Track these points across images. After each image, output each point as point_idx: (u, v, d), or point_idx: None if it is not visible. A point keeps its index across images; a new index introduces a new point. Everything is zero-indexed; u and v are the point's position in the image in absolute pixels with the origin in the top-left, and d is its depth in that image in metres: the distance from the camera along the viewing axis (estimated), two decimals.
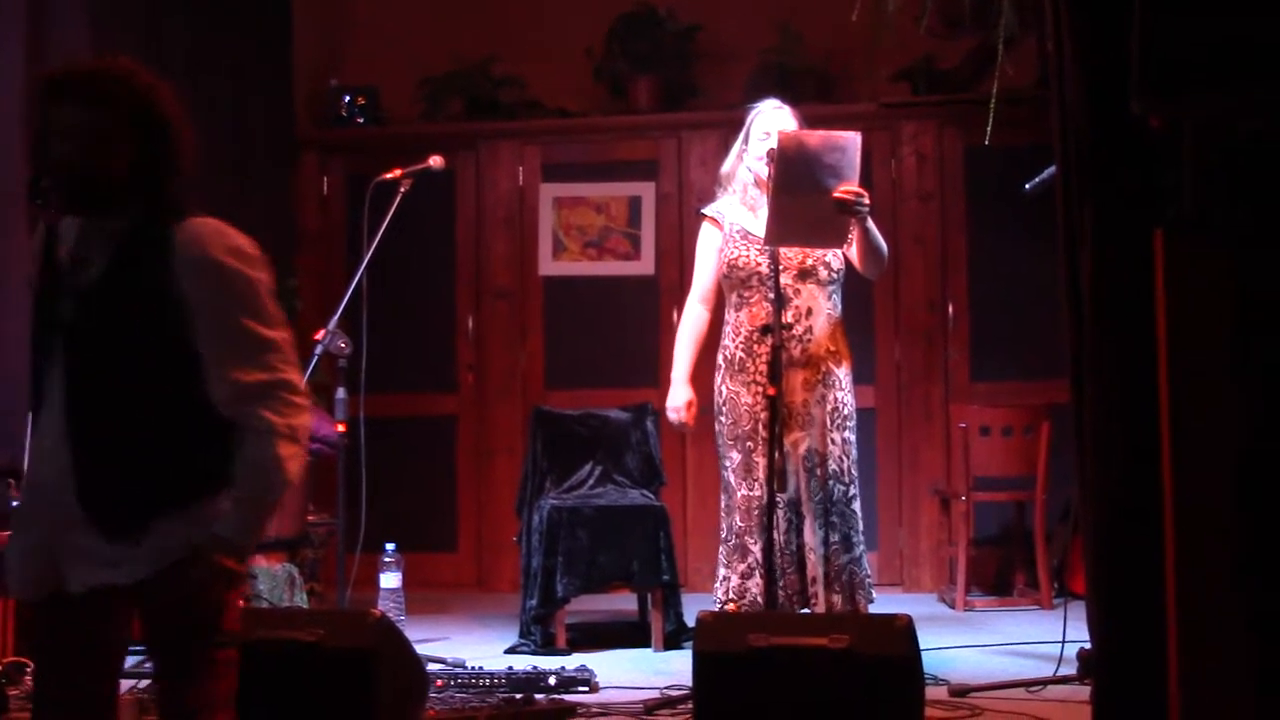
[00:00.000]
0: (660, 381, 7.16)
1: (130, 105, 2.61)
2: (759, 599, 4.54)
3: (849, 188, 4.39)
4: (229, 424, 2.61)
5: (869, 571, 4.75)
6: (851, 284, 4.88)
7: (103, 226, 2.64)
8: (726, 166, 4.88)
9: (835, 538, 4.62)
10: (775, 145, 4.46)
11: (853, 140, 4.41)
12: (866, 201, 4.47)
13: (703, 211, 4.90)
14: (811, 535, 4.59)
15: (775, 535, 4.45)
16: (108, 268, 2.61)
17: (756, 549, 4.57)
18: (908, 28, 5.95)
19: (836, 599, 4.59)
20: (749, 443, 4.63)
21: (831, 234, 4.52)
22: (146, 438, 2.60)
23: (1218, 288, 2.37)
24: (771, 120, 4.70)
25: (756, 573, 4.56)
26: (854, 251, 4.70)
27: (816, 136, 4.48)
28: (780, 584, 4.48)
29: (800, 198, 4.37)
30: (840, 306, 4.74)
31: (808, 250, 4.63)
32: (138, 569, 2.58)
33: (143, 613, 2.67)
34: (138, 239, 2.62)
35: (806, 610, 4.54)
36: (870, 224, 4.60)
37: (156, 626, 2.65)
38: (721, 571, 4.71)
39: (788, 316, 4.58)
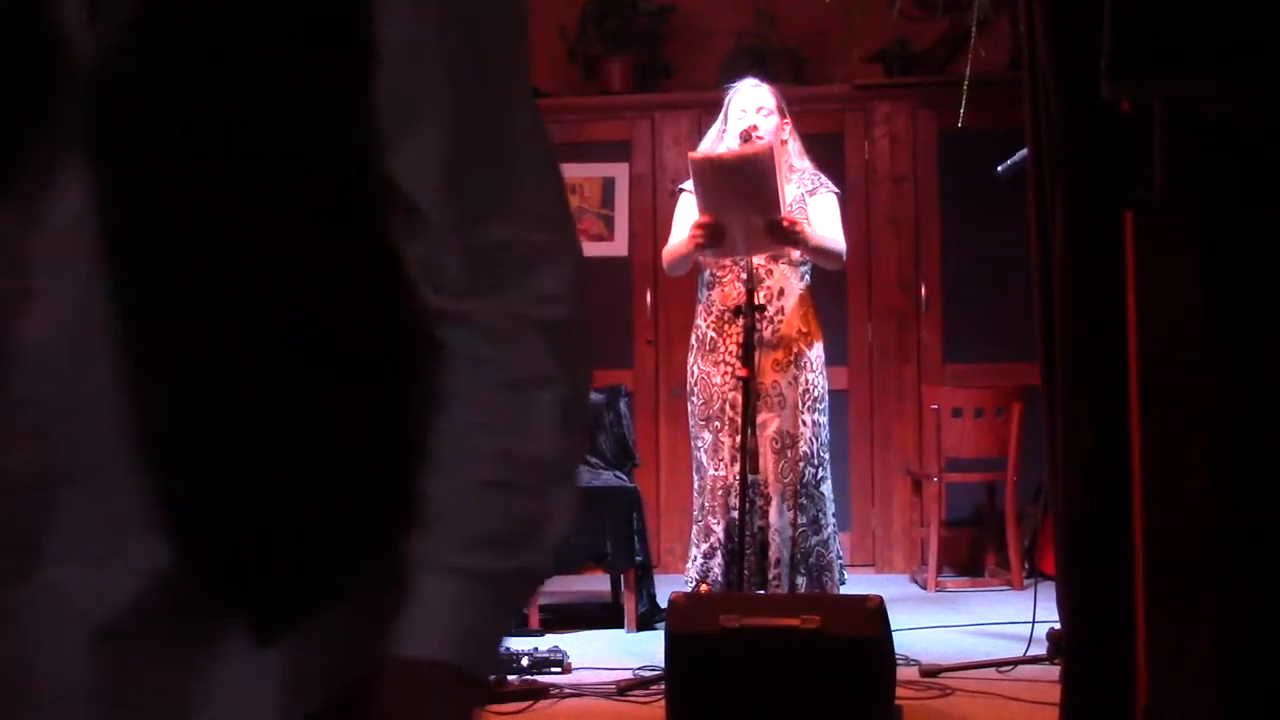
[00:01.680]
0: (634, 363, 7.18)
1: None
2: (720, 578, 4.57)
3: (781, 218, 4.42)
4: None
5: (840, 553, 4.77)
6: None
7: None
8: (705, 145, 4.87)
9: (803, 519, 4.64)
10: (748, 125, 4.55)
11: (764, 153, 4.42)
12: (799, 229, 4.50)
13: (681, 187, 4.89)
14: (777, 517, 4.61)
15: (742, 516, 4.46)
16: None
17: (719, 529, 4.61)
18: (881, 10, 5.95)
19: (801, 581, 4.61)
20: (717, 423, 4.64)
21: (759, 245, 4.54)
22: (315, 373, 1.06)
23: (1187, 268, 2.39)
24: (749, 98, 4.71)
25: (719, 552, 4.60)
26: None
27: (730, 155, 4.53)
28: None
29: (725, 214, 4.41)
30: (811, 287, 4.75)
31: None
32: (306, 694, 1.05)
33: None
34: None
35: (763, 591, 4.56)
36: (811, 238, 4.59)
37: None
38: (692, 551, 4.74)
39: (759, 297, 4.58)
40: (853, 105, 7.19)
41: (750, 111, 4.65)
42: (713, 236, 4.45)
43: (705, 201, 4.45)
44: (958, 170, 7.04)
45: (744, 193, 4.37)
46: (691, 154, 4.58)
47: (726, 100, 4.79)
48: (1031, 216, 3.03)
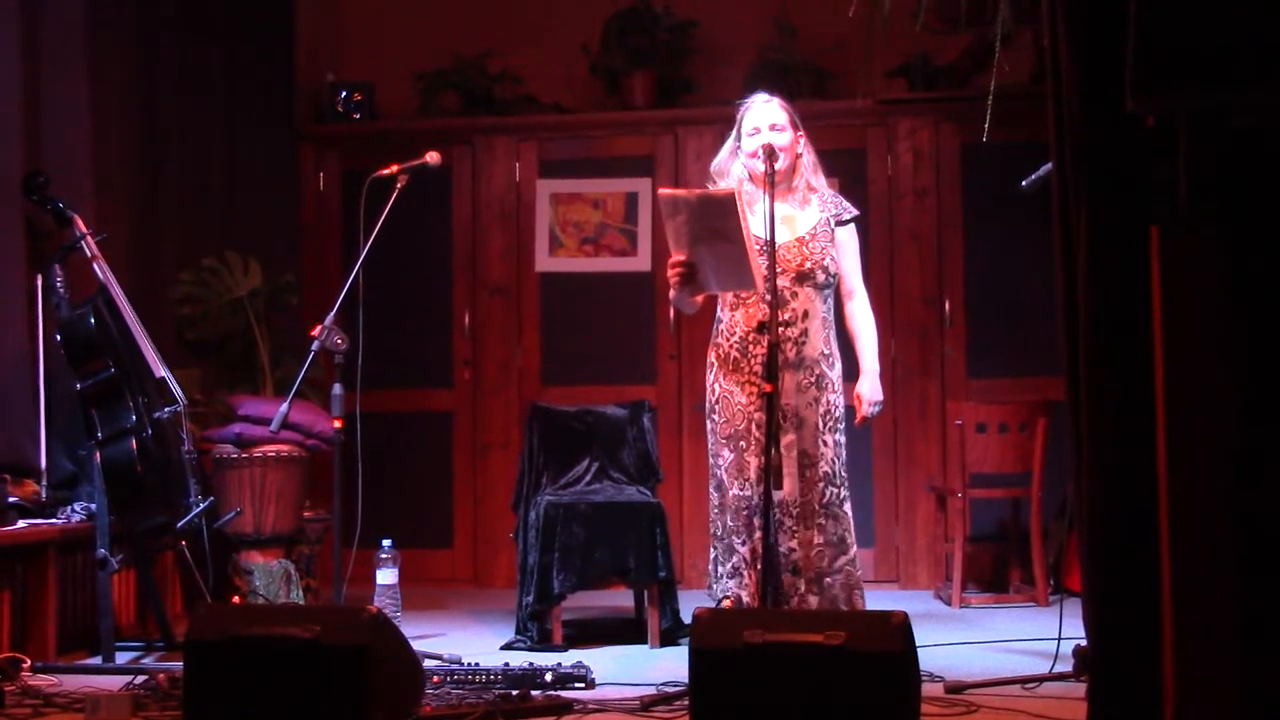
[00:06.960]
0: (656, 378, 7.18)
1: None
2: (745, 598, 4.56)
3: (862, 412, 4.72)
4: None
5: (860, 570, 4.77)
6: None
7: None
8: (719, 162, 4.86)
9: (820, 539, 4.62)
10: (762, 143, 4.58)
11: (728, 196, 4.41)
12: (874, 403, 4.74)
13: None
14: (794, 536, 4.60)
15: (767, 533, 4.44)
16: None
17: (744, 549, 4.59)
18: (904, 24, 5.95)
19: (813, 600, 4.59)
20: (741, 442, 4.63)
21: (728, 283, 4.57)
22: None
23: (1213, 283, 2.38)
24: (760, 115, 4.70)
25: (742, 572, 4.58)
26: (849, 303, 4.83)
27: (695, 193, 4.55)
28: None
29: (694, 251, 4.45)
30: (834, 310, 4.75)
31: (805, 253, 4.64)
32: None
33: None
34: None
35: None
36: (875, 368, 4.77)
37: None
38: (716, 570, 4.73)
39: (784, 318, 4.57)
40: (875, 120, 7.19)
41: (764, 128, 4.65)
42: (688, 274, 4.51)
43: (674, 239, 4.49)
44: (981, 184, 7.03)
45: (711, 231, 4.39)
46: (660, 190, 4.62)
47: (739, 116, 4.78)
48: (1056, 231, 3.02)
